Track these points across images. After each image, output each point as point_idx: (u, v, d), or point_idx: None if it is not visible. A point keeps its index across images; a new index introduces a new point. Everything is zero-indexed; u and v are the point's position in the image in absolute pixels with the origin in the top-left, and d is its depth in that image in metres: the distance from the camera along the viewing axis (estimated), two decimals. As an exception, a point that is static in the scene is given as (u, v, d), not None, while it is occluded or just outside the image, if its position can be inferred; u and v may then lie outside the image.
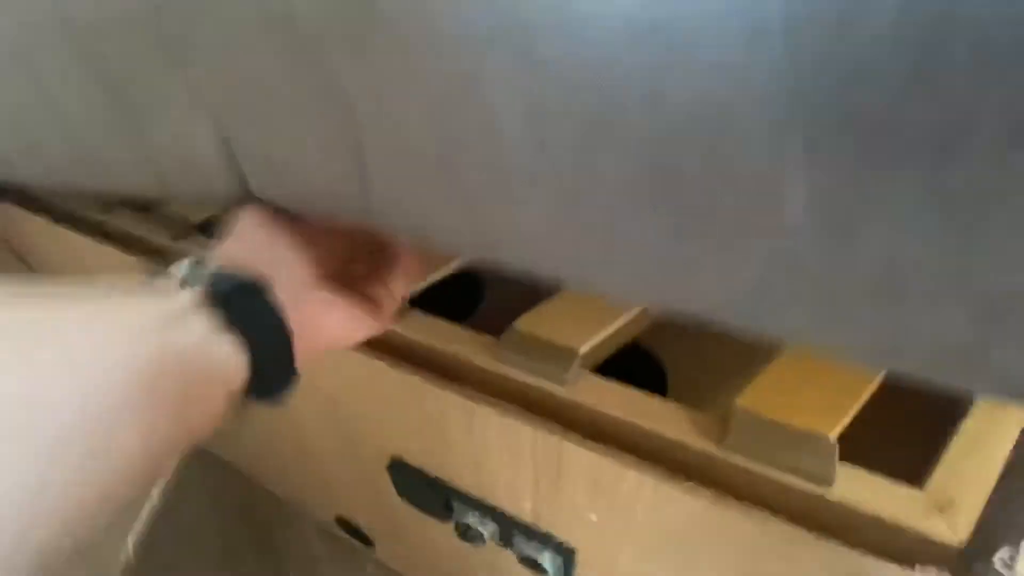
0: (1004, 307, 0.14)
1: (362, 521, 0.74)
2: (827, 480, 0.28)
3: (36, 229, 0.65)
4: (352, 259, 0.33)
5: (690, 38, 0.14)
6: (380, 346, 0.40)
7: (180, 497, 1.01)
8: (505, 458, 0.38)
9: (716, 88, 0.14)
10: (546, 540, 0.42)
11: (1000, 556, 0.24)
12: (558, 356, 0.35)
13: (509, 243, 0.21)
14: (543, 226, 0.20)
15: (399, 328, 0.39)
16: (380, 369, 0.39)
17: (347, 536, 0.83)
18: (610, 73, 0.16)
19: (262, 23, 0.21)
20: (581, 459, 0.33)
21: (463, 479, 0.44)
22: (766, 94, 0.14)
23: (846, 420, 0.30)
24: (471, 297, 0.66)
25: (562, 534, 0.41)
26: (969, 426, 0.30)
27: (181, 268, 0.27)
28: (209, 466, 1.01)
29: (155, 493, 1.03)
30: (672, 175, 0.16)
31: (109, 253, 0.55)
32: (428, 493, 0.47)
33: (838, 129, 0.13)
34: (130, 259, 0.53)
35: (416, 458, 0.47)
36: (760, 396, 0.31)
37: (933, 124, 0.12)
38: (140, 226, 0.55)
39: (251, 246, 0.29)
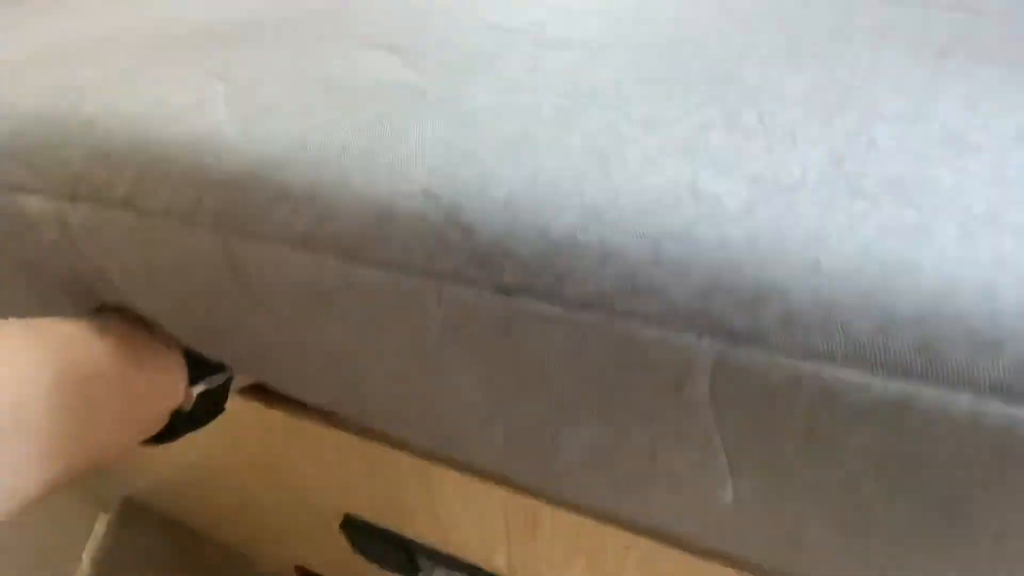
0: (885, 570, 0.18)
1: (323, 572, 0.70)
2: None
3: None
4: None
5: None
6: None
7: (113, 562, 0.94)
8: (472, 517, 0.35)
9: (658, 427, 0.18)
10: (526, 593, 0.39)
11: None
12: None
13: (472, 459, 0.25)
14: (500, 455, 0.23)
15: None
16: (317, 432, 0.35)
17: (309, 582, 0.78)
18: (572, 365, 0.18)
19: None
20: (560, 521, 0.30)
21: (426, 535, 0.41)
22: (702, 437, 0.17)
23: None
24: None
25: (543, 587, 0.38)
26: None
27: None
28: (145, 525, 0.93)
29: (85, 559, 0.95)
30: (613, 453, 0.19)
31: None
32: (389, 550, 0.44)
33: (757, 464, 0.17)
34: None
35: (372, 515, 0.43)
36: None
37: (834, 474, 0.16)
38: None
39: None
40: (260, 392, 0.38)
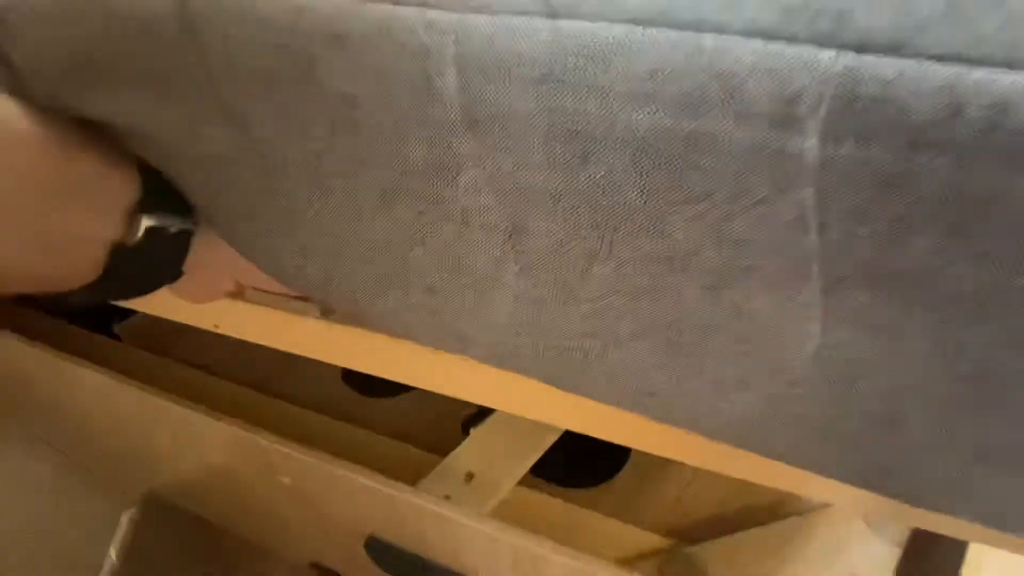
0: (997, 455, 0.14)
1: (341, 571, 0.76)
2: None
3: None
4: None
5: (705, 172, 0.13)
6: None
7: (138, 554, 1.01)
8: (486, 558, 0.40)
9: (727, 224, 0.13)
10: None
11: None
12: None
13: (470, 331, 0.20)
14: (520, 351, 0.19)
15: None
16: (340, 478, 0.40)
17: (324, 576, 0.85)
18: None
19: None
20: (563, 568, 0.35)
21: (445, 560, 0.46)
22: (791, 232, 0.13)
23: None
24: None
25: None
26: None
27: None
28: (166, 519, 1.01)
29: (112, 552, 1.02)
30: (672, 301, 0.15)
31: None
32: (413, 572, 0.49)
33: (863, 282, 0.13)
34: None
35: (395, 539, 0.49)
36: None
37: (973, 284, 0.12)
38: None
39: None
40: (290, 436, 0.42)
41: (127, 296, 0.27)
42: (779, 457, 0.18)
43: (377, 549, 0.50)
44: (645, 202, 0.14)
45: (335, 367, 0.62)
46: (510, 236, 0.16)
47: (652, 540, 0.38)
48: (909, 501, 0.17)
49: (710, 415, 0.18)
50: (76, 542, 0.93)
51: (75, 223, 0.22)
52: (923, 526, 0.23)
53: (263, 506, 0.68)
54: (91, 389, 0.58)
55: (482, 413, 0.48)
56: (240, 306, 0.34)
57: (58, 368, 0.58)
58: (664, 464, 0.45)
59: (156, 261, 0.25)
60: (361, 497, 0.44)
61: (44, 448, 0.95)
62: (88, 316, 0.66)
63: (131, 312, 0.69)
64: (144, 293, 0.26)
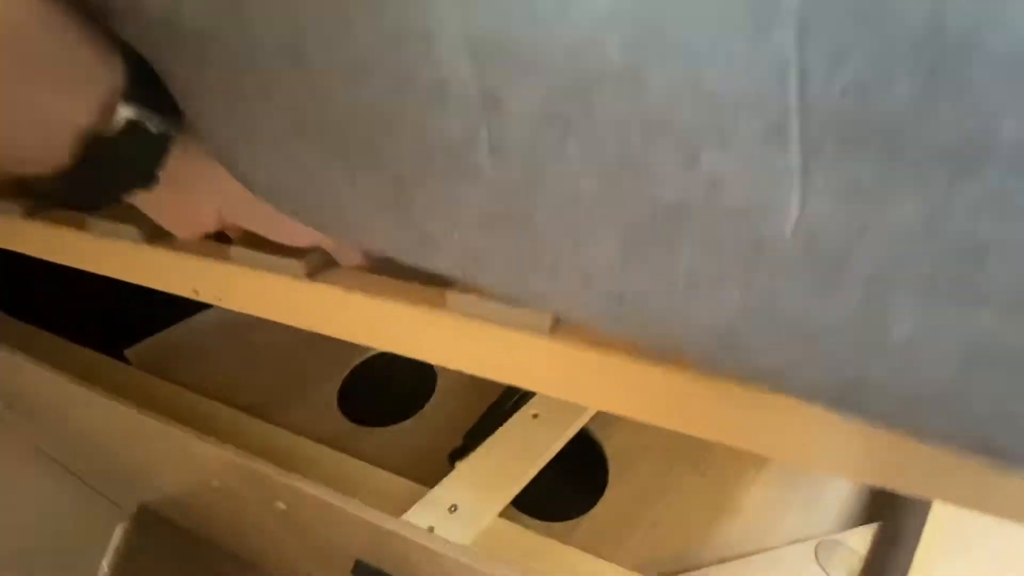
0: (991, 355, 0.13)
1: (329, 589, 0.77)
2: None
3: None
4: None
5: (683, 25, 0.12)
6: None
7: (128, 566, 1.02)
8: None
9: (705, 79, 0.12)
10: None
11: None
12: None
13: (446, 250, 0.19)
14: (482, 242, 0.18)
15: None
16: (325, 508, 0.42)
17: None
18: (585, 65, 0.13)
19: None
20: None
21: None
22: (765, 94, 0.12)
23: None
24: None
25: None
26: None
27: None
28: (158, 532, 1.02)
29: (104, 564, 1.04)
30: (639, 183, 0.14)
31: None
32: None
33: (844, 140, 0.12)
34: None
35: (380, 564, 0.51)
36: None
37: (956, 134, 0.11)
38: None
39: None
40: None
41: (97, 198, 0.25)
42: (757, 374, 0.16)
43: (363, 574, 0.52)
44: (623, 58, 0.13)
45: (332, 396, 0.65)
46: (484, 108, 0.15)
47: (623, 574, 0.41)
48: (894, 422, 0.15)
49: (685, 323, 0.16)
50: (70, 551, 0.95)
51: (48, 98, 0.21)
52: (909, 489, 0.20)
53: (256, 526, 0.70)
54: (95, 408, 0.61)
55: (467, 446, 0.51)
56: (221, 268, 0.33)
57: (63, 387, 0.61)
58: (636, 499, 0.48)
59: (132, 159, 0.24)
60: (350, 524, 0.46)
61: (44, 458, 0.97)
62: (100, 339, 0.69)
63: (141, 337, 0.72)
64: (115, 196, 0.26)
